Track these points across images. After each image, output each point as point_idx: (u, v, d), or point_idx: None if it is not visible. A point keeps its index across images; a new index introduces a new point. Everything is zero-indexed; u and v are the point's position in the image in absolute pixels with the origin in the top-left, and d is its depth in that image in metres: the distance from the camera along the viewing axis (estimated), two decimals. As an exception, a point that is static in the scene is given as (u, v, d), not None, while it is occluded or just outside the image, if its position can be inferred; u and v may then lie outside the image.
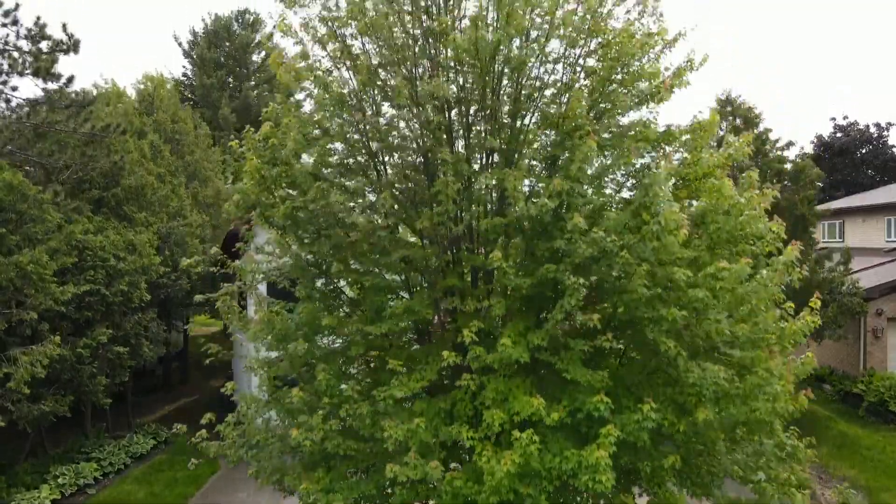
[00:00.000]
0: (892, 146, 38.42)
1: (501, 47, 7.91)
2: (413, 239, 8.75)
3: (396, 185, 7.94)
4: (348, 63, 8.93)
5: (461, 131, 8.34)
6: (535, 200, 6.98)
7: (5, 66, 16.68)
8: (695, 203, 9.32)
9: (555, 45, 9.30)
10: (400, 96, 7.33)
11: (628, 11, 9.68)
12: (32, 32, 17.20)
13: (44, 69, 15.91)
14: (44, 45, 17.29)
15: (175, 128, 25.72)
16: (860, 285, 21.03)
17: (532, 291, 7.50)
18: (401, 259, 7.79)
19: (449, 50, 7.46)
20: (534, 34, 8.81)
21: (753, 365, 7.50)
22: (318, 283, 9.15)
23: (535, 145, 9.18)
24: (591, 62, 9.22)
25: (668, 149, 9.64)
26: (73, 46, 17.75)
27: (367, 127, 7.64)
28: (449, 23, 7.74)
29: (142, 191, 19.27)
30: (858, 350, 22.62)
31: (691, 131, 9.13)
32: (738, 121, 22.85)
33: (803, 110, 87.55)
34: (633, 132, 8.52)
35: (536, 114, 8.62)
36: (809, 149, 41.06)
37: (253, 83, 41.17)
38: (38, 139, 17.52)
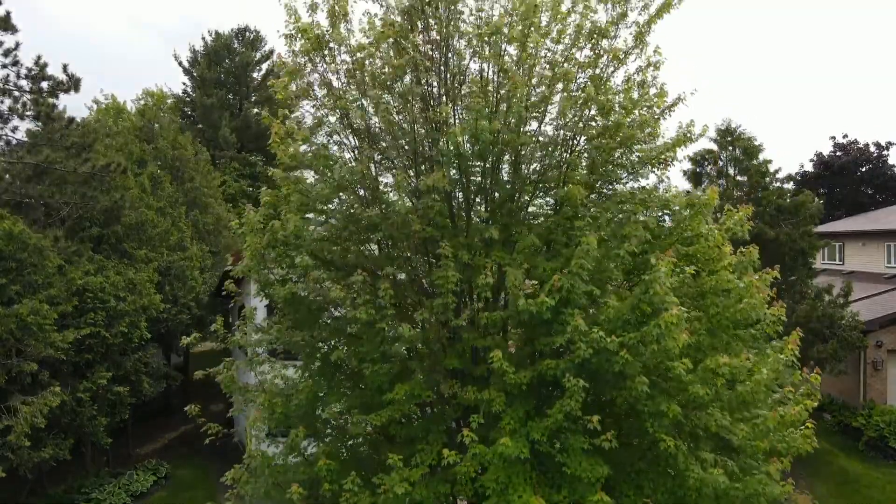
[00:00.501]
0: (893, 165, 38.44)
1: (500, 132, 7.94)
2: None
3: (396, 273, 7.94)
4: (349, 132, 9.02)
5: (462, 212, 8.36)
6: (534, 299, 6.97)
7: (5, 108, 16.72)
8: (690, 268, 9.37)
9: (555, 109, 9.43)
10: (400, 188, 7.35)
11: (628, 79, 9.77)
12: (33, 72, 17.27)
13: (44, 114, 15.94)
14: (44, 85, 17.39)
15: (175, 154, 25.70)
16: (860, 318, 21.01)
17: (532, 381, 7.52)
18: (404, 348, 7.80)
19: (449, 142, 7.46)
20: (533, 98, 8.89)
21: (753, 454, 7.52)
22: (320, 353, 9.16)
23: (532, 209, 9.25)
24: (591, 123, 9.29)
25: (667, 218, 9.72)
26: (73, 85, 17.81)
27: (367, 215, 7.65)
28: (449, 111, 7.77)
29: (142, 227, 19.28)
30: (858, 381, 22.61)
31: (689, 205, 9.13)
32: (738, 152, 22.88)
33: (804, 119, 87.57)
34: (630, 206, 8.51)
35: (536, 193, 8.65)
36: (809, 167, 41.15)
37: (254, 99, 41.25)
38: (38, 177, 17.55)
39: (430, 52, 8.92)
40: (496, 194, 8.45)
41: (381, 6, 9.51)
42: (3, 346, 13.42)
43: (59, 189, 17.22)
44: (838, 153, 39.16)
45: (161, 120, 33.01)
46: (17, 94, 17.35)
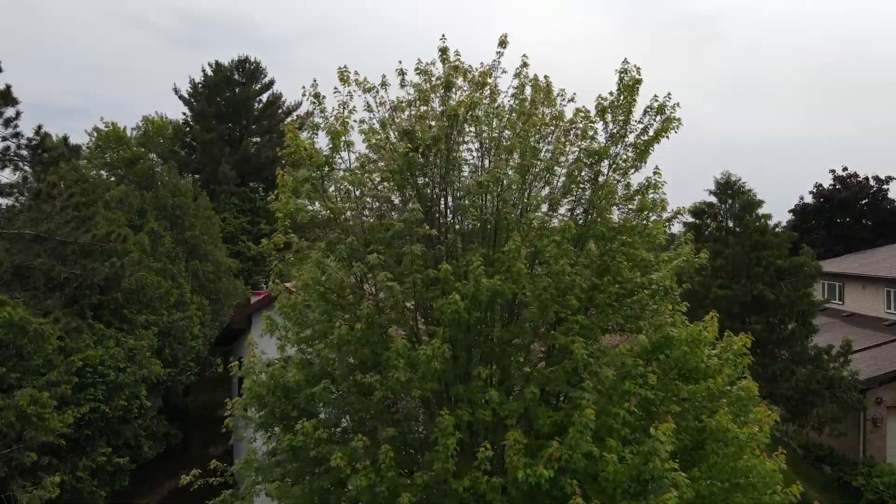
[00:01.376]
0: (893, 200, 38.46)
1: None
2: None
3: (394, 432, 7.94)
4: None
5: (462, 365, 8.38)
6: (532, 469, 6.99)
7: (4, 179, 16.77)
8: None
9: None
10: (398, 356, 7.37)
11: (629, 196, 9.83)
12: (33, 142, 17.29)
13: (45, 192, 15.95)
14: (45, 155, 17.42)
15: (175, 202, 25.70)
16: (859, 376, 21.00)
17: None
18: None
19: (448, 307, 7.48)
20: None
21: None
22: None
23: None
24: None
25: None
26: (73, 154, 17.88)
27: (366, 381, 7.68)
28: (450, 270, 7.80)
29: (142, 290, 19.28)
30: (858, 436, 22.61)
31: (688, 341, 9.12)
32: (737, 206, 22.90)
33: (805, 146, 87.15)
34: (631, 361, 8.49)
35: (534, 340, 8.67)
36: (809, 198, 41.18)
37: (254, 127, 41.28)
38: (37, 242, 17.56)
39: (431, 191, 8.99)
40: (493, 339, 8.47)
41: (382, 135, 9.57)
42: (2, 438, 13.43)
43: (59, 258, 17.24)
44: (838, 186, 39.22)
45: (160, 147, 33.03)
46: (18, 162, 17.44)
